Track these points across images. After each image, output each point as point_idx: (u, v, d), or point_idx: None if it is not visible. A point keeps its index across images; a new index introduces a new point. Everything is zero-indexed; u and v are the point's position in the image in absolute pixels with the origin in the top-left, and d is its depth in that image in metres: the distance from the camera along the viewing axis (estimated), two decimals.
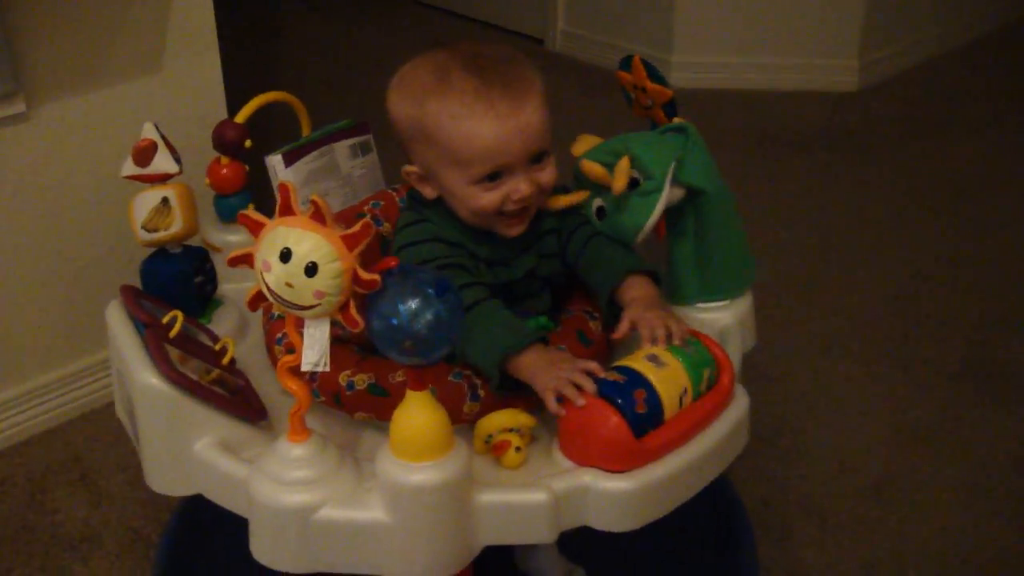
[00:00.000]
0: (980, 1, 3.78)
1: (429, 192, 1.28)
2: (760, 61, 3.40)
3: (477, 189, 1.22)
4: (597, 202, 1.27)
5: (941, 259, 2.48)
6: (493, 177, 1.22)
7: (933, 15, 3.60)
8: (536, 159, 1.23)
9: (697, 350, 1.20)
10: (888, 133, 3.14)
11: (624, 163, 1.23)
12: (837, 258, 2.49)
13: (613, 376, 1.14)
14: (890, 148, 3.04)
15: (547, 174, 1.24)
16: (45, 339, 1.90)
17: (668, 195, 1.24)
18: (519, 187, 1.22)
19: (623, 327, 1.21)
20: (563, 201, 1.30)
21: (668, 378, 1.15)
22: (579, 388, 1.11)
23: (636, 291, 1.25)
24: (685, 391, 1.15)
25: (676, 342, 1.18)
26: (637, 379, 1.13)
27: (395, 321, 0.99)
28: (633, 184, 1.24)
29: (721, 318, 1.34)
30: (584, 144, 1.31)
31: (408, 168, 1.29)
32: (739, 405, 1.22)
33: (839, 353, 2.14)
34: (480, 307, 1.20)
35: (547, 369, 1.14)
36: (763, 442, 1.86)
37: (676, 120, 1.37)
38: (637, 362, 1.15)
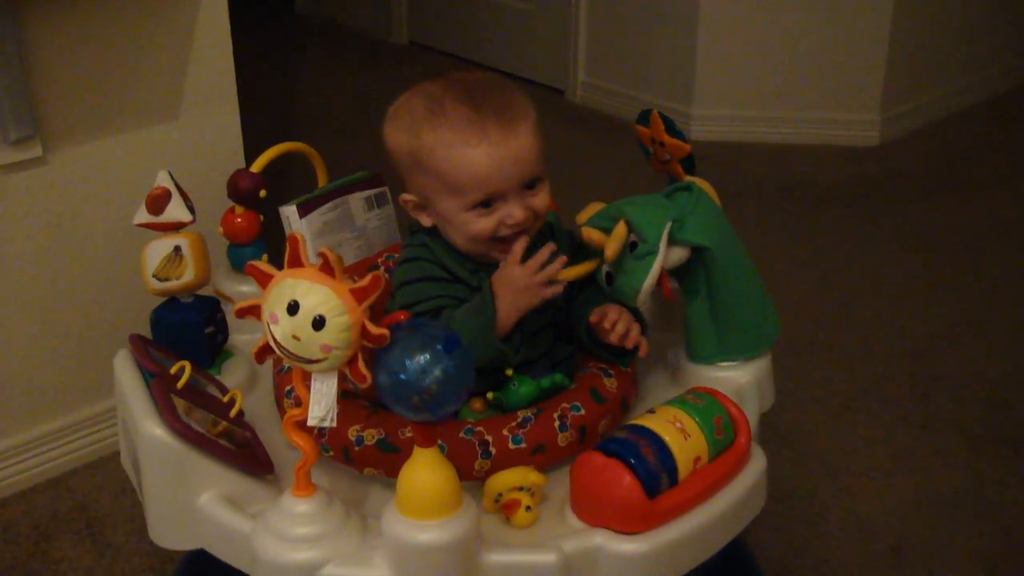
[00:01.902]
0: (1002, 56, 3.77)
1: (425, 220, 1.29)
2: (780, 115, 3.40)
3: (471, 215, 1.23)
4: (605, 268, 1.26)
5: (962, 317, 2.45)
6: (487, 204, 1.22)
7: (954, 70, 3.59)
8: (529, 185, 1.23)
9: (708, 402, 1.18)
10: (908, 188, 3.12)
11: (619, 230, 1.22)
12: (856, 315, 2.47)
13: (627, 435, 1.12)
14: (910, 203, 3.02)
15: (540, 199, 1.25)
16: (54, 385, 1.89)
17: (666, 256, 1.23)
18: (512, 212, 1.22)
19: (596, 313, 1.25)
20: (574, 272, 1.28)
21: (683, 437, 1.13)
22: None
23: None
24: (700, 453, 1.13)
25: (628, 344, 1.23)
26: (652, 438, 1.11)
27: (403, 376, 0.97)
28: (633, 247, 1.23)
29: (738, 377, 1.32)
30: (590, 212, 1.30)
31: (405, 196, 1.30)
32: (756, 466, 1.20)
33: (857, 413, 2.11)
34: (445, 315, 1.23)
35: (519, 294, 1.19)
36: (780, 503, 1.83)
37: (688, 178, 1.36)
38: (652, 421, 1.13)
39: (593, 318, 1.25)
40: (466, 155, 1.20)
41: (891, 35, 3.27)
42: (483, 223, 1.23)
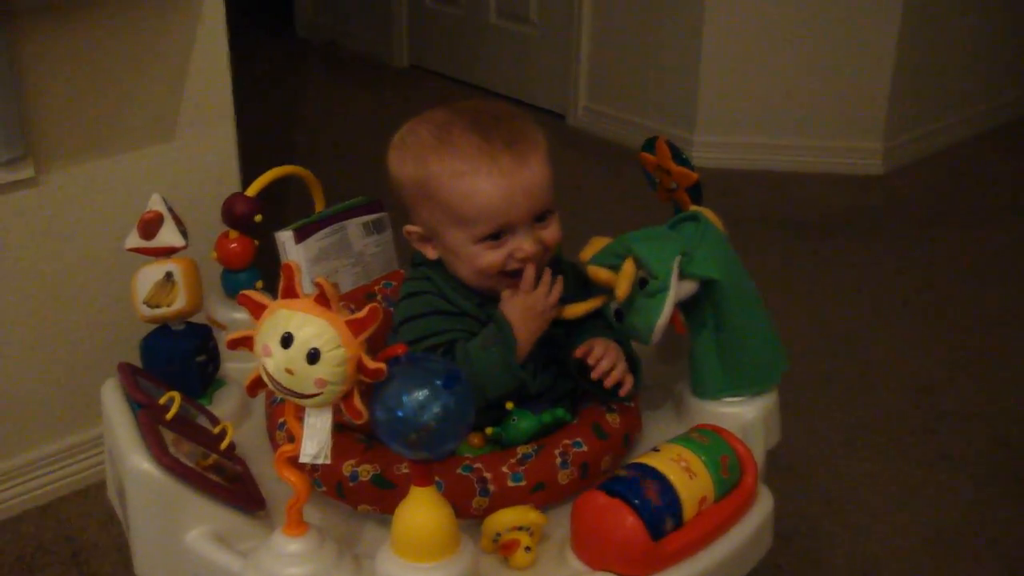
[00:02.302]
0: (1008, 84, 3.75)
1: (431, 252, 1.24)
2: (783, 142, 3.37)
3: (480, 248, 1.19)
4: (614, 305, 1.22)
5: (966, 349, 2.41)
6: (496, 236, 1.18)
7: (959, 98, 3.57)
8: (540, 217, 1.19)
9: (714, 440, 1.14)
10: (912, 218, 3.09)
11: (627, 268, 1.19)
12: (858, 347, 2.43)
13: (630, 474, 1.08)
14: (914, 234, 2.99)
15: (551, 232, 1.20)
16: (41, 411, 1.85)
17: (677, 291, 1.19)
18: (523, 246, 1.18)
19: (582, 347, 1.20)
20: (579, 309, 1.24)
21: (688, 476, 1.09)
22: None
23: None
24: (706, 493, 1.10)
25: (607, 383, 1.18)
26: (656, 477, 1.07)
27: (400, 413, 0.94)
28: (643, 283, 1.19)
29: (744, 413, 1.28)
30: (593, 248, 1.26)
31: (409, 228, 1.25)
32: (763, 506, 1.16)
33: (860, 448, 2.07)
34: (459, 349, 1.19)
35: (537, 320, 1.18)
36: (781, 539, 1.76)
37: (693, 208, 1.32)
38: (657, 460, 1.09)
39: (578, 352, 1.21)
40: (476, 185, 1.16)
41: (895, 63, 3.25)
42: (492, 256, 1.19)
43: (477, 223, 1.17)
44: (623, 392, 1.20)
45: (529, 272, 1.19)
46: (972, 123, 3.63)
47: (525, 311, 1.18)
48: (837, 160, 3.36)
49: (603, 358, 1.19)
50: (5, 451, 1.83)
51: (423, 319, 1.22)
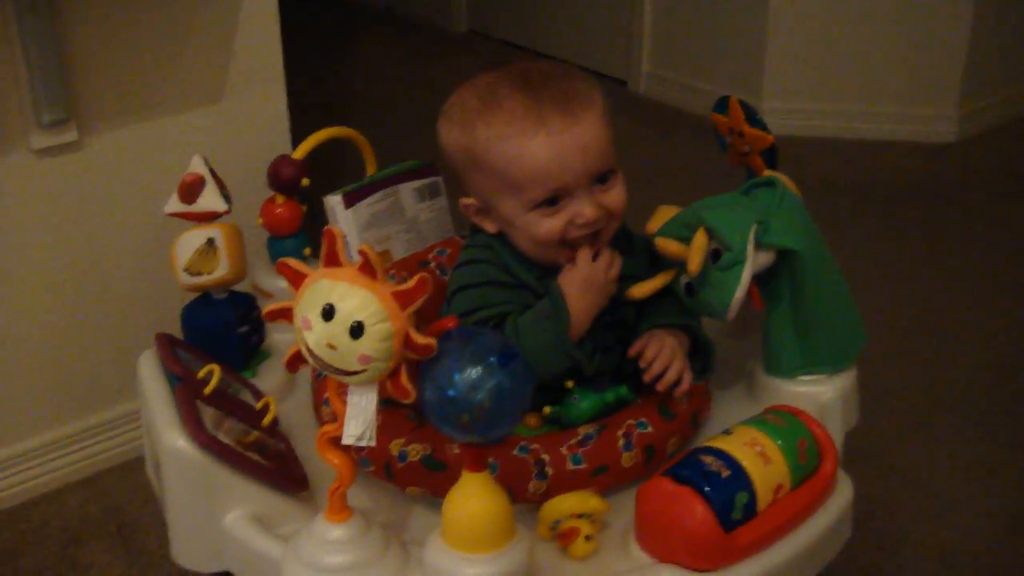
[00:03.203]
0: None
1: (489, 226, 1.17)
2: (854, 108, 3.25)
3: (536, 215, 1.11)
4: (685, 278, 1.13)
5: None
6: (552, 201, 1.10)
7: None
8: (601, 179, 1.11)
9: (792, 423, 1.06)
10: (988, 188, 2.96)
11: (699, 239, 1.10)
12: (933, 322, 2.32)
13: (700, 459, 1.00)
14: (990, 204, 2.87)
15: (614, 195, 1.12)
16: (84, 380, 1.81)
17: (754, 262, 1.10)
18: (583, 210, 1.10)
19: (637, 344, 1.12)
20: (646, 288, 1.16)
21: (763, 462, 1.01)
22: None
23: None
24: (782, 481, 1.02)
25: (660, 388, 1.10)
26: (729, 463, 1.00)
27: (451, 392, 0.86)
28: (716, 256, 1.10)
29: (822, 392, 1.20)
30: (660, 218, 1.17)
31: (465, 201, 1.18)
32: (842, 495, 1.10)
33: (937, 428, 1.97)
34: (509, 323, 1.11)
35: (597, 294, 1.11)
36: (855, 525, 1.70)
37: (767, 173, 1.24)
38: (729, 444, 1.01)
39: (632, 349, 1.12)
40: (524, 147, 1.08)
41: (973, 24, 3.11)
42: (550, 224, 1.10)
43: (529, 188, 1.09)
44: (678, 392, 1.12)
45: (585, 246, 1.12)
46: None
47: (583, 284, 1.10)
48: (909, 127, 3.23)
49: (656, 359, 1.10)
50: (50, 421, 1.79)
51: (477, 289, 1.15)
